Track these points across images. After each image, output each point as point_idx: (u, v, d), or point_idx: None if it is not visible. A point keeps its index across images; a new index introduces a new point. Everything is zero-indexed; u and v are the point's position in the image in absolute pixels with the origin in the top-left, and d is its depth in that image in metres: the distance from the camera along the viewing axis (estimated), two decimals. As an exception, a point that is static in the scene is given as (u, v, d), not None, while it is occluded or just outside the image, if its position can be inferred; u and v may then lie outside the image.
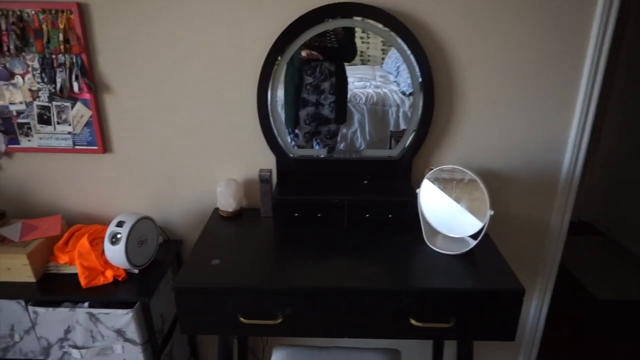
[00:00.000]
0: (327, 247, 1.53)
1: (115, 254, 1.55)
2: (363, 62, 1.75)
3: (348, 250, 1.51)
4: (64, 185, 1.82)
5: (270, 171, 1.67)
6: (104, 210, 1.85)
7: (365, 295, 1.34)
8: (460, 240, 1.52)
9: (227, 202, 1.70)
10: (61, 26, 1.56)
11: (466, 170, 1.47)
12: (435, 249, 1.50)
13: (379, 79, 1.81)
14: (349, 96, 1.72)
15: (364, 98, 1.75)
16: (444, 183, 1.52)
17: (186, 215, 1.85)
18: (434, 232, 1.55)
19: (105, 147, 1.74)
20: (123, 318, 1.54)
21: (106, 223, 1.71)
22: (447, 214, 1.51)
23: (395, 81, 1.80)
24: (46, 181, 1.82)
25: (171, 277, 1.78)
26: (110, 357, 1.61)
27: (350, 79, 1.73)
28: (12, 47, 1.57)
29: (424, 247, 1.52)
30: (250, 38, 1.58)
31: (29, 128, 1.72)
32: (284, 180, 1.71)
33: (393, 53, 1.72)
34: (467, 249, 1.46)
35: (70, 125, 1.70)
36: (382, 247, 1.53)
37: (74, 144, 1.73)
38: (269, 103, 1.62)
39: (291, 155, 1.70)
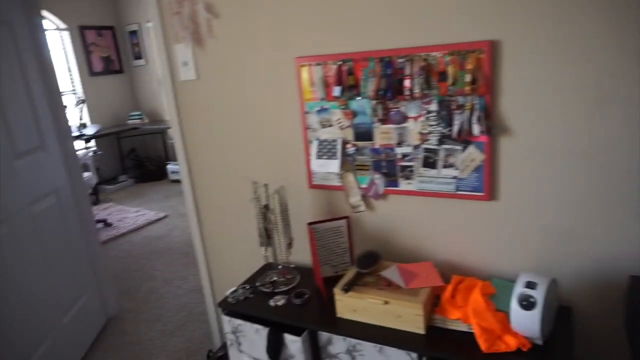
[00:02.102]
0: None
1: (527, 320, 1.35)
2: None
3: None
4: (433, 230, 1.74)
5: None
6: (473, 261, 1.70)
7: None
8: None
9: (661, 271, 1.35)
10: (469, 67, 1.49)
11: None
12: None
13: None
14: None
15: None
16: None
17: (578, 279, 1.56)
18: None
19: (491, 193, 1.59)
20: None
21: (474, 274, 1.63)
22: None
23: None
24: (414, 225, 1.77)
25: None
26: None
27: None
28: (417, 91, 1.56)
29: None
30: None
31: (411, 171, 1.69)
32: None
33: None
34: None
35: (457, 169, 1.61)
36: None
37: (457, 188, 1.63)
38: None
39: None
